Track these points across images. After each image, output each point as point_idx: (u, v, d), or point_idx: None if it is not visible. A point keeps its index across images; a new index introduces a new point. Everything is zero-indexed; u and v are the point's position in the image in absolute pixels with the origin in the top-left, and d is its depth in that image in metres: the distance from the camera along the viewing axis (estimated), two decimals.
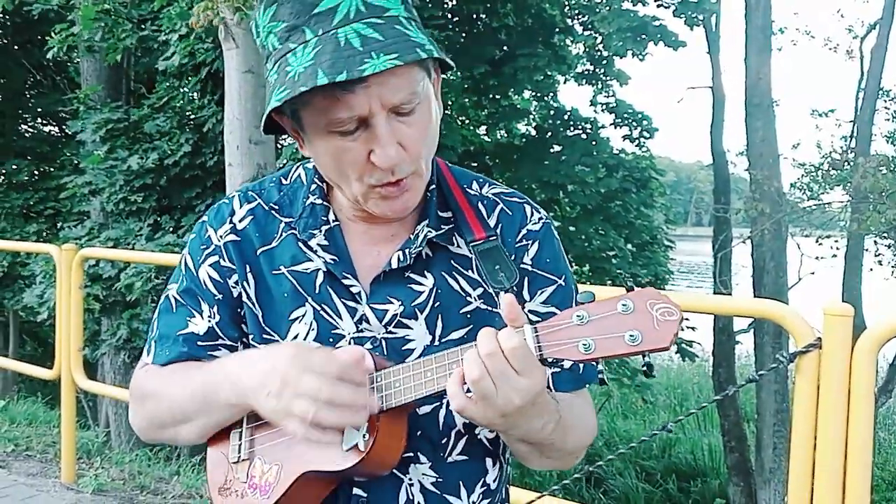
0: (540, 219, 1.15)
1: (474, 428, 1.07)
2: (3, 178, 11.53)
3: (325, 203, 1.11)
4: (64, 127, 12.17)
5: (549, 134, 10.19)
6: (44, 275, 8.16)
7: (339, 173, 1.01)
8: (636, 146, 10.29)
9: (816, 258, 9.24)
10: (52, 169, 11.78)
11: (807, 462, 2.21)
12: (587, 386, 1.15)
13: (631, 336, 0.84)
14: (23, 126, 13.22)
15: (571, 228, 9.10)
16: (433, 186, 1.11)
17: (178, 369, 1.09)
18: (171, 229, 7.62)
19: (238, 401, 1.00)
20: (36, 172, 12.15)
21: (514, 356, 0.87)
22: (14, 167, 11.41)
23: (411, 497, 1.05)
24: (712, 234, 10.03)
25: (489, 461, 1.10)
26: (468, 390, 0.91)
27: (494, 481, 1.11)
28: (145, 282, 7.13)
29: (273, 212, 1.13)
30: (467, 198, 1.13)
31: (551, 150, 9.79)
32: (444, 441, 1.06)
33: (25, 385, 10.83)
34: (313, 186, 1.13)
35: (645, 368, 0.95)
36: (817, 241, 9.71)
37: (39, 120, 13.68)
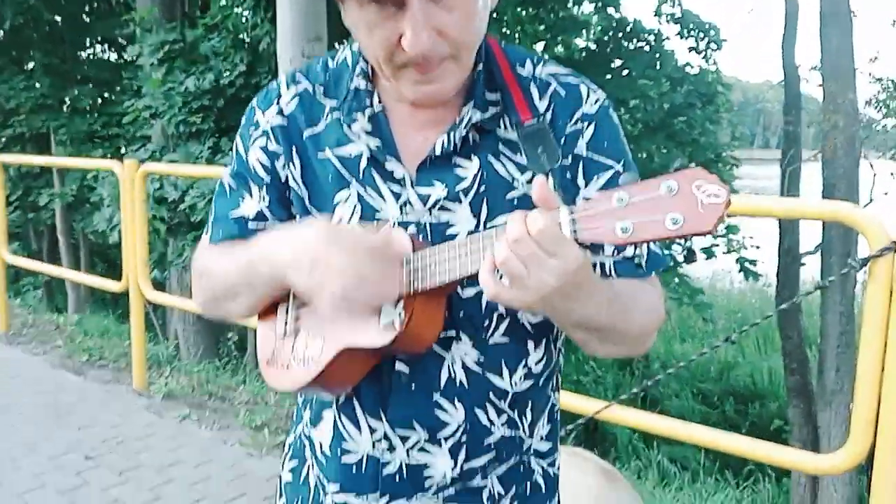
0: (597, 100, 1.10)
1: (517, 312, 1.06)
2: (67, 104, 11.81)
3: (368, 87, 1.09)
4: (123, 52, 12.31)
5: (611, 48, 9.79)
6: (111, 198, 8.41)
7: (371, 49, 0.99)
8: (702, 58, 9.81)
9: (892, 174, 8.77)
10: (113, 95, 12.00)
11: (875, 368, 2.13)
12: (654, 273, 1.11)
13: (673, 219, 0.79)
14: (83, 53, 13.44)
15: (632, 146, 8.83)
16: (480, 67, 1.07)
17: (228, 248, 1.12)
18: (229, 150, 7.72)
19: (275, 276, 1.01)
20: (99, 99, 12.40)
21: (543, 238, 0.84)
22: (77, 93, 11.65)
23: (453, 375, 1.06)
24: (780, 155, 9.62)
25: (531, 344, 1.10)
26: (502, 276, 0.89)
27: (538, 364, 1.11)
28: (208, 203, 7.28)
29: (319, 95, 1.12)
30: (518, 79, 1.08)
31: (612, 65, 9.43)
32: (486, 323, 1.06)
33: (97, 304, 11.34)
34: (358, 69, 1.10)
35: (685, 254, 0.91)
36: (892, 158, 9.22)
37: (99, 46, 13.88)
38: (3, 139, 11.48)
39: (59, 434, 3.84)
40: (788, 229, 8.36)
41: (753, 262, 7.55)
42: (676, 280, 7.71)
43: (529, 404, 1.12)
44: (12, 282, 10.30)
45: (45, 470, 3.45)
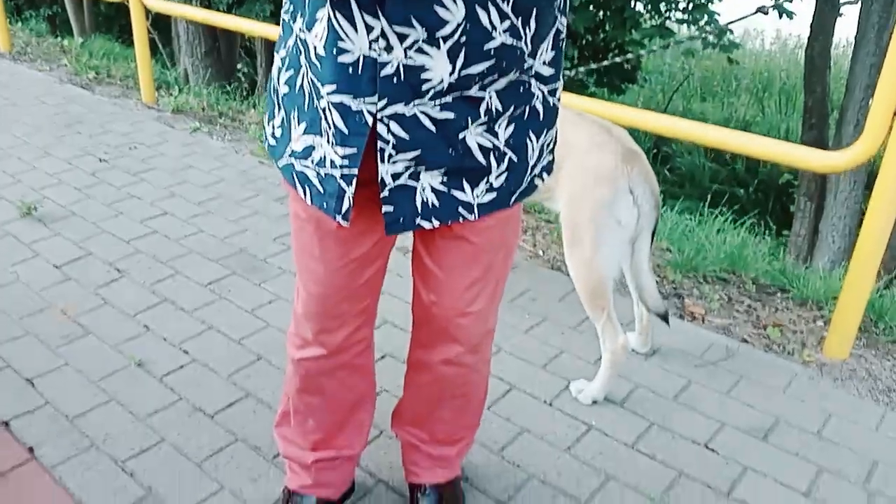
0: None
1: None
2: None
3: None
4: None
5: None
6: None
7: None
8: None
9: None
10: None
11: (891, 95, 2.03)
12: None
13: None
14: None
15: None
16: None
17: None
18: None
19: None
20: None
21: None
22: None
23: None
24: None
25: None
26: None
27: None
28: None
29: None
30: None
31: None
32: None
33: (101, 35, 11.00)
34: None
35: None
36: None
37: None
38: None
39: (71, 140, 3.88)
40: None
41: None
42: (706, 17, 7.34)
43: (534, 13, 1.06)
44: (12, 13, 9.93)
45: (61, 170, 3.53)
